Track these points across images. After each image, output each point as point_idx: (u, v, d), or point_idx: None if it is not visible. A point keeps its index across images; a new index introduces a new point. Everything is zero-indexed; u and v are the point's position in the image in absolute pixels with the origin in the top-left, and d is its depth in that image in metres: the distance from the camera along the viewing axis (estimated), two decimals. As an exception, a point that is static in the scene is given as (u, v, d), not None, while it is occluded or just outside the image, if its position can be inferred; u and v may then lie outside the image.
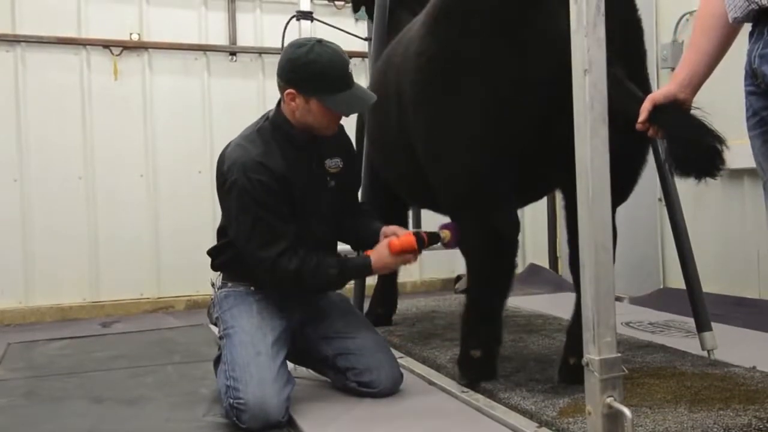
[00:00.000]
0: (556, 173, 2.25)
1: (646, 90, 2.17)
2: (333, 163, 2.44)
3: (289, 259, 2.25)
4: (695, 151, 1.77)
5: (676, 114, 1.80)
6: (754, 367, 2.40)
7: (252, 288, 2.41)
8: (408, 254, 2.33)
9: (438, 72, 2.23)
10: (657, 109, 1.81)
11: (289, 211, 2.31)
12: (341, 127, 2.46)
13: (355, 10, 3.83)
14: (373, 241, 2.42)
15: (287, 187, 2.30)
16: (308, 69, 2.25)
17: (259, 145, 2.31)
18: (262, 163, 2.26)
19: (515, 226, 2.29)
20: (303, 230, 2.32)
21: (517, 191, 2.28)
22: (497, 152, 2.14)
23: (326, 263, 2.31)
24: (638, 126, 1.82)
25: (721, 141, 1.76)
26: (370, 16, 3.65)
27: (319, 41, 2.30)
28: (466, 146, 2.18)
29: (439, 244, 2.40)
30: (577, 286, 2.26)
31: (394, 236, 2.35)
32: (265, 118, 2.42)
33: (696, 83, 1.81)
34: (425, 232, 2.39)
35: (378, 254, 2.34)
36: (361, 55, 4.61)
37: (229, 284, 2.46)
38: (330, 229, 2.49)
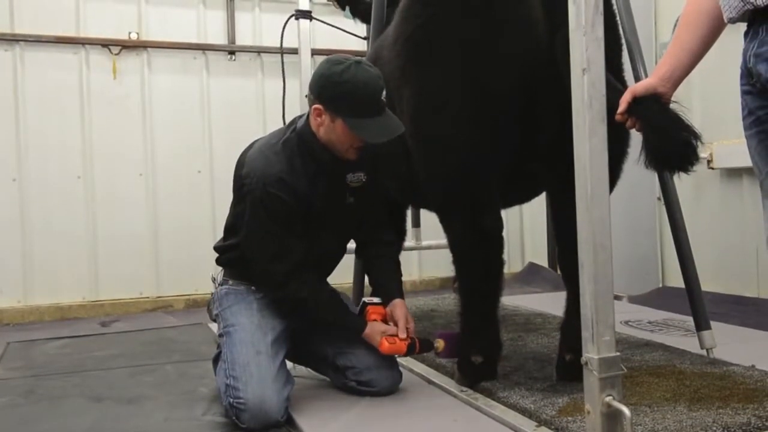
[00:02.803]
0: (539, 167, 2.25)
1: (620, 80, 2.18)
2: (355, 178, 2.40)
3: (299, 285, 2.27)
4: (670, 144, 1.77)
5: (655, 107, 1.80)
6: (752, 366, 2.40)
7: (253, 287, 2.41)
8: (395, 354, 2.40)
9: (415, 51, 2.23)
10: (636, 101, 1.81)
11: (302, 227, 2.30)
12: None
13: (341, 8, 3.82)
14: (382, 297, 2.45)
15: (304, 204, 2.29)
16: (339, 88, 2.19)
17: (282, 160, 2.28)
18: (283, 180, 2.24)
19: (498, 221, 2.27)
20: (311, 241, 2.32)
21: (501, 181, 2.25)
22: (479, 130, 2.13)
23: (327, 306, 2.35)
24: (617, 117, 1.83)
25: (696, 136, 1.77)
26: (360, 17, 3.65)
27: (358, 62, 2.23)
28: (450, 120, 2.17)
29: (432, 352, 2.49)
30: (566, 283, 2.26)
31: (392, 331, 2.34)
32: (293, 128, 2.37)
33: (677, 78, 1.81)
34: (420, 340, 2.41)
35: (371, 335, 2.35)
36: (360, 54, 4.60)
37: (230, 282, 2.46)
38: (339, 242, 2.50)
